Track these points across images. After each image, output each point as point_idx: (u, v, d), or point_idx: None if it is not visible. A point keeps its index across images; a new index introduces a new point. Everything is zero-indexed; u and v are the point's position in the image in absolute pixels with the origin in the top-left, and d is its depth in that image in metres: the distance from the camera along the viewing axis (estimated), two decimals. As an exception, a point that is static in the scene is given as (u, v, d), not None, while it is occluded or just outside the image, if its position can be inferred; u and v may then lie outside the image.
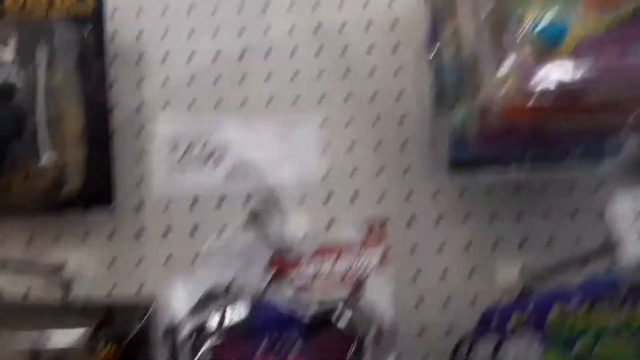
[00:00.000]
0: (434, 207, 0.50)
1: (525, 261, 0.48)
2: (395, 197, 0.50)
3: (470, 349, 0.41)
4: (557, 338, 0.39)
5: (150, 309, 0.37)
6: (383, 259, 0.42)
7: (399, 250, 0.47)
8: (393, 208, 0.49)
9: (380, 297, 0.41)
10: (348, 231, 0.43)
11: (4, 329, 0.37)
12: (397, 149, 0.51)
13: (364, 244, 0.42)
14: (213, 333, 0.40)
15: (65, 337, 0.37)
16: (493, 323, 0.41)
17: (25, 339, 0.37)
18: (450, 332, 0.48)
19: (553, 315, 0.39)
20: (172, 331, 0.39)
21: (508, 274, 0.49)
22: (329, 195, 0.49)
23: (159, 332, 0.41)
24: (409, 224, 0.49)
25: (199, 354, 0.39)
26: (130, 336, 0.37)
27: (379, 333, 0.40)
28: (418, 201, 0.50)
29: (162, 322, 0.41)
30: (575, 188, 0.50)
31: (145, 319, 0.37)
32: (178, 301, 0.41)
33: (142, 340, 0.37)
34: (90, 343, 0.36)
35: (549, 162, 0.46)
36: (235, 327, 0.40)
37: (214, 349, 0.40)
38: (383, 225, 0.43)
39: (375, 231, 0.42)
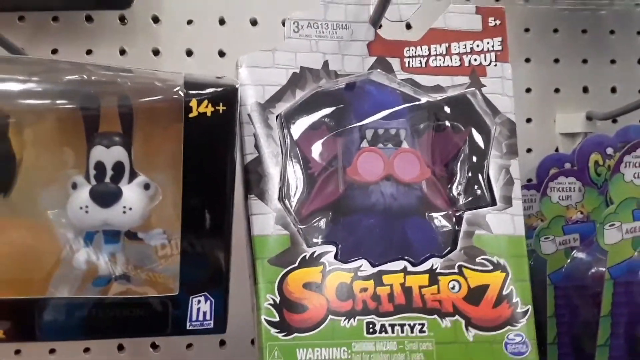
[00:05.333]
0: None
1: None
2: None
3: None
4: (595, 182, 0.44)
5: (235, 87, 0.33)
6: (503, 50, 0.39)
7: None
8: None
9: (501, 90, 0.39)
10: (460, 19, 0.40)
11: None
12: None
13: (482, 31, 0.39)
14: (300, 123, 0.37)
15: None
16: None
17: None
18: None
19: (591, 161, 0.44)
20: (253, 117, 0.36)
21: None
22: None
23: (244, 111, 0.37)
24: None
25: (287, 146, 0.36)
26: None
27: (505, 128, 0.37)
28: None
29: (246, 102, 0.37)
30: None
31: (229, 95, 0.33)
32: (259, 81, 0.37)
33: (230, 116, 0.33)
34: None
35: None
36: (332, 117, 0.37)
37: (302, 139, 0.37)
38: (502, 14, 0.40)
39: (493, 19, 0.39)
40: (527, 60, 0.63)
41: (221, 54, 0.57)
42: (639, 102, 0.54)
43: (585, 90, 0.63)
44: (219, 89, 0.32)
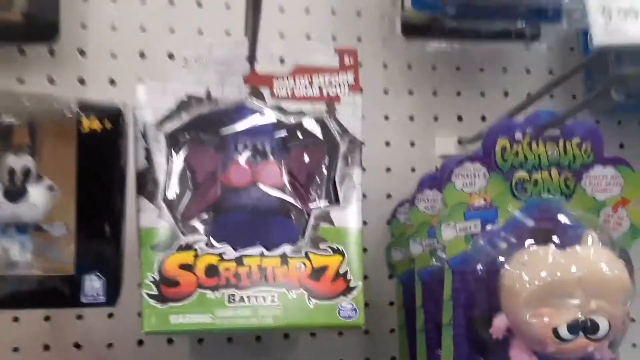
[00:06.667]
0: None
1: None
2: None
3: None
4: (501, 168, 0.49)
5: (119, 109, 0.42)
6: (355, 83, 0.48)
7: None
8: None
9: (351, 115, 0.48)
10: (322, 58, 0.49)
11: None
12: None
13: (339, 68, 0.48)
14: (187, 140, 0.45)
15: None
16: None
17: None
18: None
19: (498, 147, 0.49)
20: (146, 134, 0.44)
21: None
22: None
23: (134, 133, 0.44)
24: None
25: (173, 158, 0.44)
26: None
27: (351, 144, 0.47)
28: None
29: (137, 124, 0.44)
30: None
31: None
32: (152, 106, 0.45)
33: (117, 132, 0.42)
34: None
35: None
36: (210, 135, 0.46)
37: (187, 156, 0.45)
38: (355, 54, 0.49)
39: (348, 58, 0.48)
40: (410, 92, 0.74)
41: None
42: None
43: (459, 118, 0.74)
44: (106, 110, 0.41)
